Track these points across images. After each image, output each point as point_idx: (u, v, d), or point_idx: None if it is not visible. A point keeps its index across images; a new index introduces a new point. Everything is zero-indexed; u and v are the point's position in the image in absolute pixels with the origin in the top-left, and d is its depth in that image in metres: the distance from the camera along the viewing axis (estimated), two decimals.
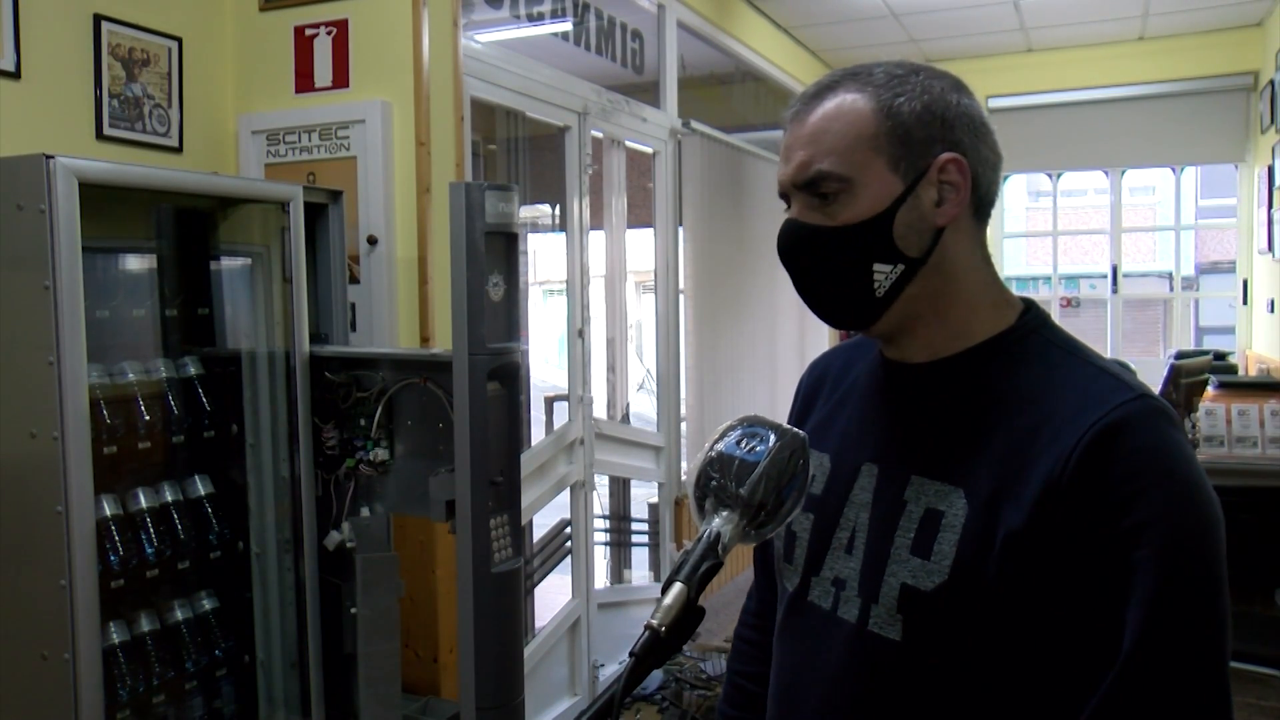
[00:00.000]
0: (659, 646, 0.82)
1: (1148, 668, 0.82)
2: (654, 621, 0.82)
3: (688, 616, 0.83)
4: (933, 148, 0.92)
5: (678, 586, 0.84)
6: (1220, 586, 0.84)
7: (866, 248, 0.92)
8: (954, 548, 0.89)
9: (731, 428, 0.92)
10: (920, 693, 0.91)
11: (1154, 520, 0.82)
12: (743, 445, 0.90)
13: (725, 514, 0.88)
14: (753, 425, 0.92)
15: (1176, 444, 0.86)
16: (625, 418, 4.60)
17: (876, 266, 0.92)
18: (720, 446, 0.91)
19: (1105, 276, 6.57)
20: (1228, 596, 0.84)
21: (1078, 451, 0.84)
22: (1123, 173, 6.47)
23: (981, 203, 0.96)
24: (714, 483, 0.89)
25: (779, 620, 1.08)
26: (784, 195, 0.98)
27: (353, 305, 2.73)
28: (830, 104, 0.94)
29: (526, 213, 6.39)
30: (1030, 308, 0.99)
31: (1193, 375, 4.20)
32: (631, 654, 0.81)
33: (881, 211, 0.92)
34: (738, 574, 5.18)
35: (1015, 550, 0.86)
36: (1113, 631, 0.83)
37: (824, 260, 0.95)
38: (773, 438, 0.90)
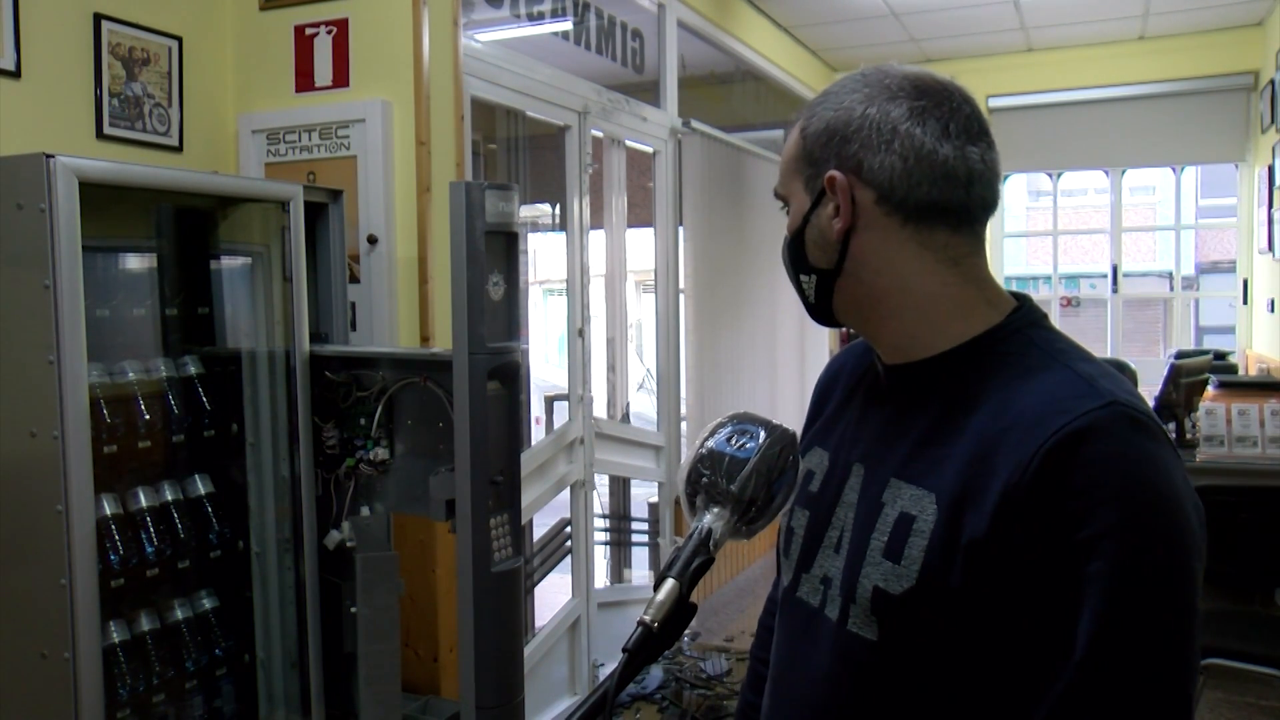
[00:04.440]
0: (651, 642, 0.83)
1: (1093, 682, 0.80)
2: (646, 617, 0.82)
3: (680, 612, 0.84)
4: (827, 165, 0.95)
5: (670, 582, 0.84)
6: (1179, 601, 0.82)
7: (793, 259, 1.01)
8: (922, 553, 0.88)
9: (721, 425, 0.93)
10: (896, 691, 0.92)
11: (1108, 533, 0.80)
12: (733, 442, 0.91)
13: (716, 510, 0.89)
14: (742, 422, 0.93)
15: (1144, 454, 0.84)
16: (625, 417, 4.60)
17: (801, 277, 1.01)
18: (711, 444, 0.92)
19: (1105, 276, 6.57)
20: (1193, 610, 0.82)
21: (1036, 460, 0.83)
22: (1123, 172, 6.47)
23: (910, 207, 0.93)
24: (705, 479, 0.90)
25: (777, 614, 1.10)
26: None
27: (353, 305, 2.73)
28: (793, 128, 1.01)
29: (526, 212, 6.39)
30: (1020, 309, 0.97)
31: (1193, 375, 4.19)
32: (625, 649, 0.82)
33: (797, 228, 0.99)
34: (737, 573, 5.19)
35: (977, 558, 0.85)
36: (1064, 644, 0.81)
37: (785, 267, 1.04)
38: (762, 434, 0.91)
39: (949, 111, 0.93)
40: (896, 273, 0.95)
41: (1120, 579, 0.80)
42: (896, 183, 0.92)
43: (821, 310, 1.01)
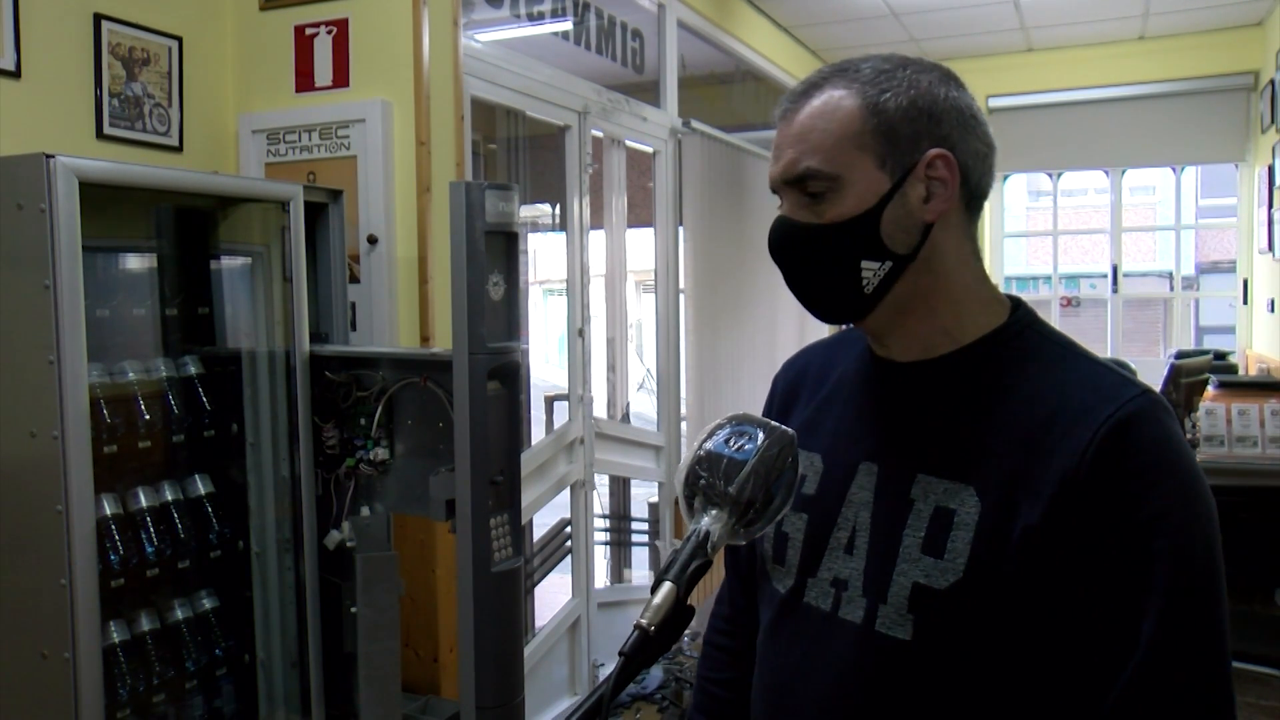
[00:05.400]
0: (648, 645, 0.81)
1: (1169, 652, 0.84)
2: (643, 621, 0.81)
3: (677, 615, 0.83)
4: (920, 143, 0.91)
5: (667, 585, 0.83)
6: (1223, 573, 0.87)
7: (854, 245, 0.93)
8: (968, 545, 0.89)
9: (720, 426, 0.92)
10: (930, 692, 0.91)
11: (1168, 511, 0.85)
12: (731, 444, 0.89)
13: (714, 512, 0.87)
14: (741, 423, 0.92)
15: (1180, 438, 0.89)
16: (625, 417, 4.60)
17: (864, 264, 0.93)
18: (709, 445, 0.90)
19: (1105, 276, 6.56)
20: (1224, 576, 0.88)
21: (1094, 446, 0.86)
22: (1123, 172, 6.47)
23: (973, 196, 0.96)
24: (703, 481, 0.89)
25: (768, 622, 1.06)
26: (776, 191, 0.98)
27: (353, 305, 2.73)
28: (817, 101, 0.94)
29: (526, 212, 6.39)
30: (1019, 305, 0.99)
31: (1193, 375, 4.19)
32: (621, 653, 0.81)
33: (869, 209, 0.92)
34: None
35: (1033, 545, 0.86)
36: (1132, 619, 0.85)
37: (813, 257, 0.95)
38: (761, 435, 0.89)
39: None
40: (953, 262, 0.96)
41: (1184, 553, 0.85)
42: (975, 169, 0.94)
43: (870, 302, 0.94)
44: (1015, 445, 0.89)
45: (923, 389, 0.97)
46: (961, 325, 0.96)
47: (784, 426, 0.91)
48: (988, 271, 1.01)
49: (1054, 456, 0.87)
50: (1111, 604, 0.85)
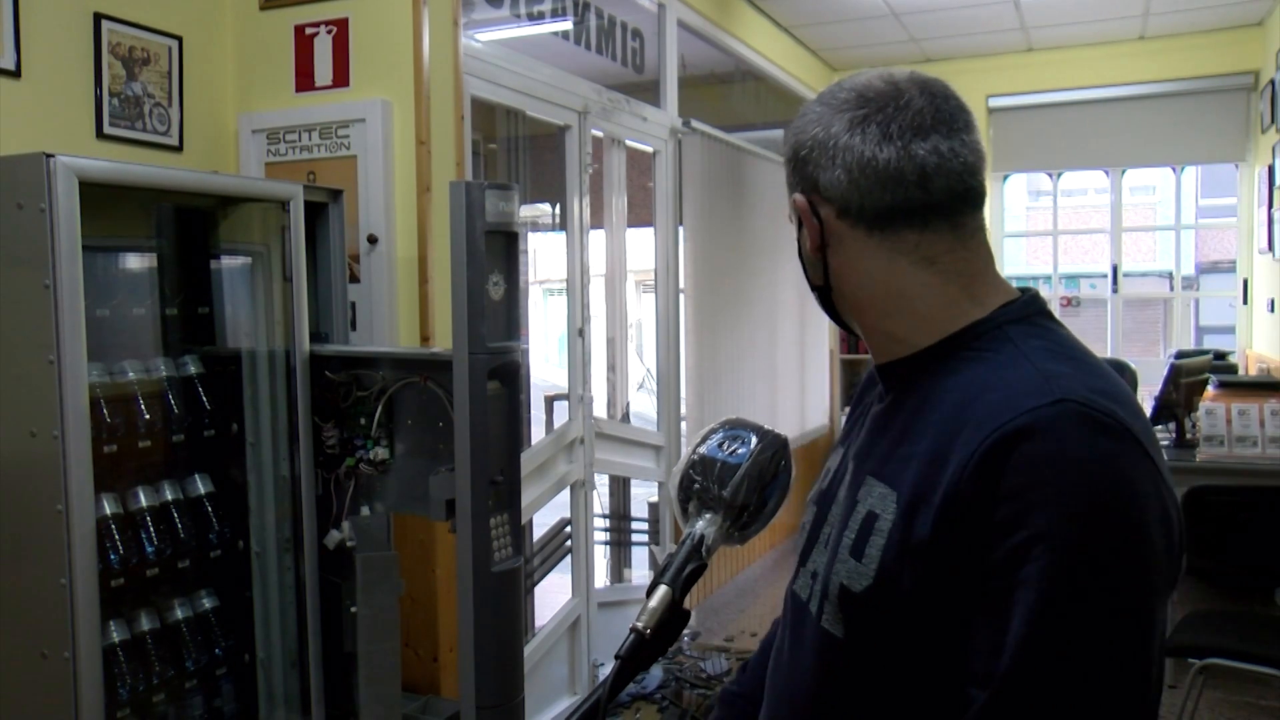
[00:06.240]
0: (644, 648, 0.83)
1: (1017, 694, 0.77)
2: (639, 624, 0.83)
3: (673, 618, 0.84)
4: (794, 190, 0.98)
5: (662, 589, 0.85)
6: (1124, 610, 0.78)
7: (806, 279, 1.03)
8: (880, 552, 0.87)
9: (713, 430, 0.94)
10: (863, 689, 0.91)
11: (1042, 537, 0.77)
12: (724, 448, 0.92)
13: (709, 516, 0.89)
14: (734, 428, 0.93)
15: (1092, 453, 0.79)
16: (625, 417, 4.60)
17: (811, 293, 1.03)
18: (702, 449, 0.92)
19: (1105, 276, 6.56)
20: (1144, 619, 0.78)
21: (973, 462, 0.80)
22: (1123, 172, 6.47)
23: (869, 216, 0.93)
24: (697, 485, 0.90)
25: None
26: None
27: (353, 304, 2.73)
28: None
29: (526, 212, 6.39)
30: (1011, 303, 0.94)
31: (1193, 375, 4.20)
32: (617, 656, 0.82)
33: (798, 250, 1.01)
34: (737, 573, 5.18)
35: (922, 560, 0.83)
36: (995, 653, 0.78)
37: None
38: (754, 439, 0.91)
39: (892, 113, 0.91)
40: (873, 280, 0.95)
41: (1052, 586, 0.76)
42: (848, 195, 0.93)
43: (836, 321, 1.03)
44: (931, 454, 0.86)
45: (889, 392, 0.99)
46: (916, 330, 0.94)
47: (776, 430, 0.92)
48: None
49: (945, 470, 0.83)
50: (982, 632, 0.80)
